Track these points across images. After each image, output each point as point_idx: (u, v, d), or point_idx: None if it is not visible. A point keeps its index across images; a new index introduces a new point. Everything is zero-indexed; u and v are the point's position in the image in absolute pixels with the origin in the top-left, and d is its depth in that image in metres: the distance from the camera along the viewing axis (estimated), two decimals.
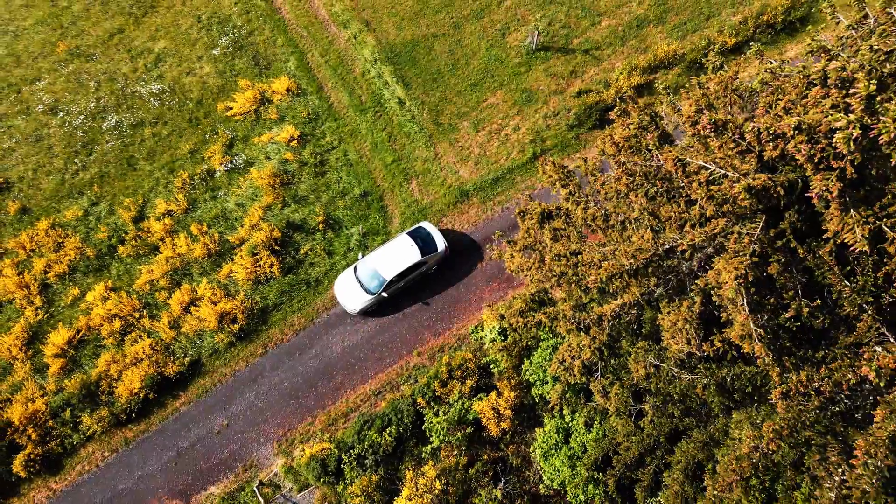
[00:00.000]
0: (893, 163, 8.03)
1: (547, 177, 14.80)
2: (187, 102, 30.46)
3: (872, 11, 12.04)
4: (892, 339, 9.92)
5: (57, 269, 26.56)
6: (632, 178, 11.02)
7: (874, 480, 9.24)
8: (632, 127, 12.12)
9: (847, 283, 10.10)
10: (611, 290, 14.09)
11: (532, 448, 21.56)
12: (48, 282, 26.55)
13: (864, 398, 10.83)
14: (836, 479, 9.95)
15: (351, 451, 22.05)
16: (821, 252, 9.86)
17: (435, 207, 27.24)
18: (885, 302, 10.19)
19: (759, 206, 9.83)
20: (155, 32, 32.73)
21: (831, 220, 8.88)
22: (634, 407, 16.52)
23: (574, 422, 20.48)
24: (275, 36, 32.38)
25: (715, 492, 11.38)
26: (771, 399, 10.44)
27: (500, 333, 23.14)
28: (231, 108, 29.90)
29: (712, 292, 10.88)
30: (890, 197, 8.83)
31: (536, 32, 29.61)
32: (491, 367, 23.10)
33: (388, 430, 22.28)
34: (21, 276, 26.46)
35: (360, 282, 24.62)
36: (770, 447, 10.16)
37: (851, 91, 8.28)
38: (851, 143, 7.91)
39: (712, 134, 9.57)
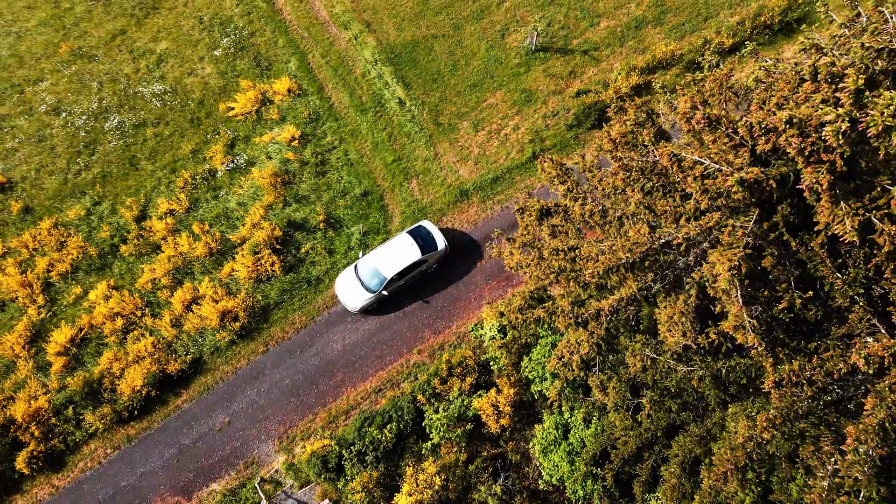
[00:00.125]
0: (882, 155, 8.23)
1: (545, 174, 15.01)
2: (189, 103, 30.69)
3: (865, 10, 12.29)
4: (883, 331, 10.12)
5: (59, 268, 26.77)
6: (628, 174, 11.23)
7: (865, 468, 9.42)
8: (628, 123, 12.34)
9: (839, 275, 10.30)
10: (608, 285, 14.28)
11: (531, 444, 21.75)
12: (51, 280, 26.76)
13: (856, 388, 11.02)
14: (829, 468, 10.14)
15: (351, 447, 22.22)
16: (813, 244, 10.06)
17: (435, 207, 27.45)
18: (876, 294, 10.40)
19: (753, 199, 10.03)
20: (157, 33, 32.98)
21: (822, 212, 9.09)
22: (632, 401, 16.71)
23: (573, 418, 20.66)
24: (276, 37, 32.62)
25: (711, 482, 11.56)
26: (763, 388, 10.62)
27: (499, 331, 23.34)
28: (232, 109, 30.13)
29: (707, 284, 11.08)
30: (879, 189, 9.05)
31: (535, 33, 29.85)
32: (490, 364, 23.30)
33: (388, 426, 22.45)
34: (24, 275, 26.66)
35: (360, 280, 24.81)
36: (763, 436, 10.34)
37: (841, 86, 8.48)
38: (840, 136, 8.11)
39: (706, 129, 9.78)
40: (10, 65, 32.32)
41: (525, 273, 17.35)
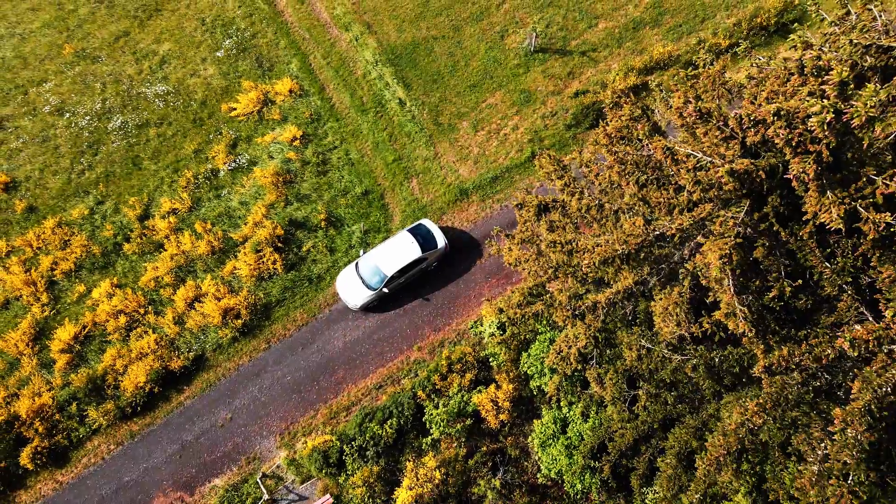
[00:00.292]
0: (866, 145, 8.51)
1: (543, 170, 15.31)
2: (191, 103, 31.01)
3: (855, 9, 12.59)
4: (870, 318, 10.39)
5: (63, 267, 27.03)
6: (623, 167, 11.51)
7: (854, 452, 9.68)
8: (623, 118, 12.64)
9: (828, 264, 10.57)
10: (605, 278, 14.57)
11: (530, 439, 22.00)
12: (55, 279, 27.03)
13: (845, 374, 11.28)
14: (819, 452, 10.39)
15: (352, 442, 22.46)
16: (801, 233, 10.34)
17: (435, 205, 27.74)
18: (863, 283, 10.68)
19: (744, 190, 10.32)
20: (160, 35, 33.32)
21: (810, 201, 9.37)
22: (629, 393, 16.98)
23: (571, 412, 20.92)
24: (278, 38, 32.96)
25: (704, 467, 11.81)
26: (754, 373, 10.89)
27: (498, 328, 23.59)
28: (235, 109, 30.45)
29: (700, 274, 11.36)
30: (865, 180, 9.32)
31: (534, 35, 30.19)
32: (490, 360, 23.56)
33: (388, 422, 22.70)
34: (28, 274, 26.92)
35: (361, 278, 25.09)
36: (754, 420, 10.60)
37: (826, 78, 8.77)
38: (826, 127, 8.39)
39: (698, 121, 10.06)
40: (14, 66, 32.65)
41: (523, 269, 17.64)
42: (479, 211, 27.58)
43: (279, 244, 26.73)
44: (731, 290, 10.46)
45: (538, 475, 21.81)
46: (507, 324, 22.83)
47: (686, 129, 10.62)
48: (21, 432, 23.74)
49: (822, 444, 10.38)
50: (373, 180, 28.57)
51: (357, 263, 25.57)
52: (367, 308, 25.57)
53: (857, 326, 9.70)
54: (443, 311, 25.74)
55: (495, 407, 22.40)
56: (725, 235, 10.14)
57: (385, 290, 24.99)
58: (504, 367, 22.99)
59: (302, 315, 25.93)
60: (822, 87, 8.80)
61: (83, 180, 29.27)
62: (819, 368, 10.64)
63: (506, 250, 17.90)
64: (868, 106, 8.10)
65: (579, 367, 16.30)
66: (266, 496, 22.48)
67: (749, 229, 10.68)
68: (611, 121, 13.13)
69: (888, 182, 8.87)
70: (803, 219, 9.81)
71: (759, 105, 9.46)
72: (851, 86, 8.67)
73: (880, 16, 11.72)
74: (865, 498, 9.85)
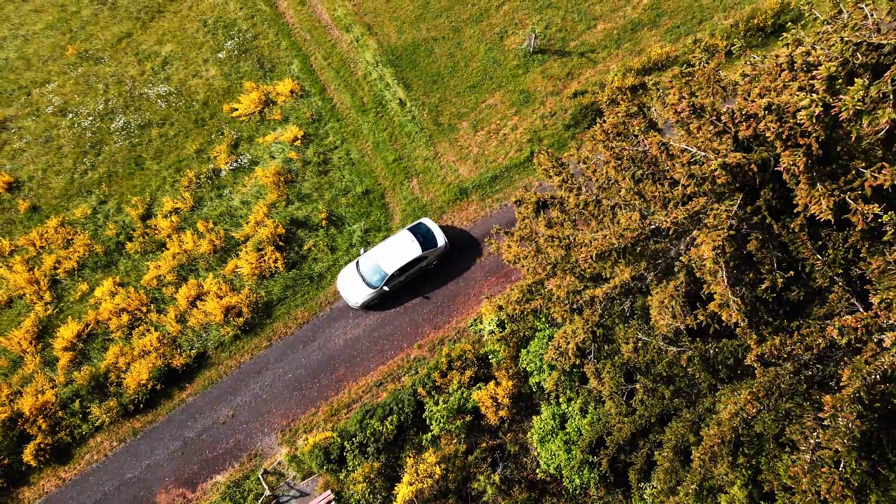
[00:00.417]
0: (854, 138, 8.74)
1: (541, 167, 15.55)
2: (193, 104, 31.26)
3: (847, 8, 12.85)
4: (861, 309, 10.61)
5: (66, 266, 27.25)
6: (619, 162, 11.74)
7: (846, 441, 9.89)
8: (620, 115, 12.88)
9: (819, 256, 10.80)
10: (602, 274, 14.78)
11: (529, 435, 22.19)
12: (58, 278, 27.24)
13: (837, 364, 11.49)
14: (812, 441, 10.60)
15: (353, 439, 22.66)
16: (793, 226, 10.57)
17: (435, 205, 27.98)
18: (854, 274, 10.91)
19: (736, 184, 10.55)
20: (162, 36, 33.59)
21: (800, 193, 9.61)
22: (626, 387, 17.19)
23: (570, 408, 21.12)
24: (279, 39, 33.24)
25: (700, 456, 12.01)
26: (746, 362, 11.11)
27: (498, 325, 23.80)
28: (236, 110, 30.71)
29: (694, 267, 11.58)
30: (854, 173, 9.55)
31: (534, 36, 30.46)
32: (489, 357, 23.77)
33: (389, 418, 22.90)
34: (31, 273, 27.13)
35: (362, 276, 25.31)
36: (748, 409, 10.81)
37: (814, 73, 9.00)
38: (814, 120, 8.63)
39: (692, 116, 10.29)
40: (17, 67, 32.91)
41: (522, 266, 17.86)
42: (478, 210, 27.82)
43: (280, 243, 26.96)
44: (725, 281, 10.68)
45: (537, 471, 22.00)
46: (506, 321, 23.05)
47: (681, 124, 10.86)
48: (24, 429, 23.94)
49: (815, 433, 10.60)
50: (373, 180, 28.82)
51: (358, 262, 25.80)
52: (368, 306, 25.79)
53: (849, 318, 9.91)
54: (443, 309, 25.96)
55: (495, 403, 22.60)
56: (719, 228, 10.38)
57: (385, 288, 25.21)
58: (503, 363, 23.20)
59: (303, 313, 26.14)
60: (812, 81, 9.04)
61: (86, 180, 29.51)
62: (811, 358, 10.86)
63: (505, 247, 18.12)
64: (855, 100, 8.33)
65: (577, 361, 16.52)
66: (267, 492, 22.67)
67: (742, 222, 10.91)
68: (608, 117, 13.37)
69: (876, 175, 9.10)
70: (794, 211, 10.05)
71: (752, 100, 9.69)
72: (840, 80, 8.90)
73: (871, 14, 11.98)
74: (857, 485, 10.06)
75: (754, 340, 11.12)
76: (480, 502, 21.96)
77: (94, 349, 25.69)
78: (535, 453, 22.17)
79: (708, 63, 15.15)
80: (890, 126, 10.83)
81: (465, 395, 23.07)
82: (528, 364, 22.43)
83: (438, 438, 22.80)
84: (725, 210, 10.65)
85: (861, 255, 10.40)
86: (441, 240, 25.97)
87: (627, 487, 20.84)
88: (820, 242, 11.02)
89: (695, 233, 12.12)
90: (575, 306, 14.71)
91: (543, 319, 22.62)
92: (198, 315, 25.77)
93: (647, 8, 31.62)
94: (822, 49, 9.55)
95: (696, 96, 10.95)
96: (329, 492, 22.62)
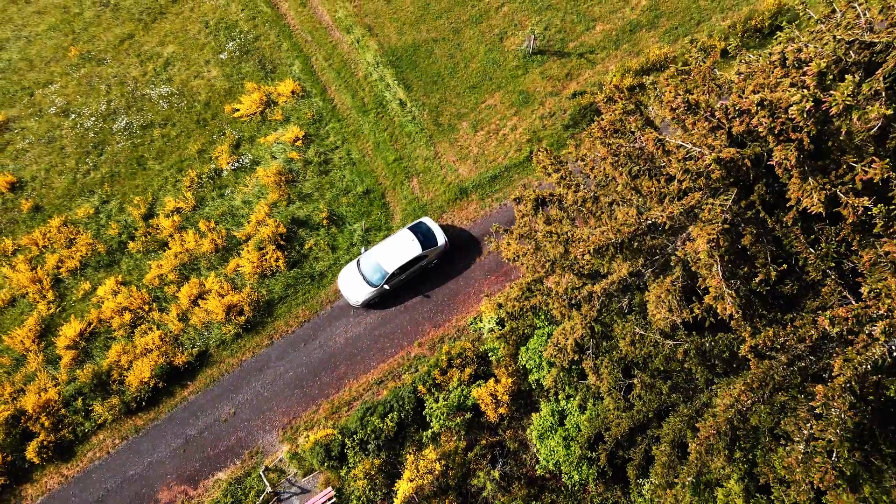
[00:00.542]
0: (844, 132, 8.95)
1: (540, 164, 15.76)
2: (195, 104, 31.49)
3: (840, 7, 13.07)
4: (853, 302, 10.80)
5: (69, 265, 27.44)
6: (616, 158, 11.95)
7: (838, 430, 10.08)
8: (617, 112, 13.10)
9: (812, 250, 11.01)
10: (600, 270, 14.97)
11: (528, 431, 22.37)
12: (60, 277, 27.43)
13: (830, 356, 11.68)
14: (805, 432, 10.79)
15: (354, 436, 22.83)
16: (786, 219, 10.79)
17: (435, 204, 28.19)
18: (846, 268, 11.11)
19: (731, 179, 10.75)
20: (164, 38, 33.83)
21: (793, 187, 9.82)
22: (624, 382, 17.38)
23: (569, 405, 21.30)
24: (280, 41, 33.48)
25: (696, 449, 12.19)
26: (741, 353, 11.31)
27: (497, 323, 24.00)
28: (238, 110, 30.94)
29: (689, 260, 11.78)
30: (845, 167, 9.76)
31: (533, 37, 30.71)
32: (489, 355, 23.95)
33: (389, 416, 23.08)
34: (34, 272, 27.32)
35: (362, 275, 25.50)
36: (742, 399, 11.00)
37: (806, 69, 9.22)
38: (805, 115, 8.84)
39: (687, 112, 10.50)
40: (20, 68, 33.14)
41: (522, 264, 18.06)
42: (478, 209, 28.03)
43: (282, 242, 27.16)
44: (720, 274, 10.88)
45: (536, 467, 22.17)
46: (505, 319, 23.16)
47: (676, 121, 11.07)
48: (27, 427, 24.09)
49: (808, 424, 10.78)
50: (374, 179, 29.04)
51: (358, 261, 26.00)
52: (369, 305, 25.98)
53: (839, 308, 10.11)
54: (443, 308, 26.15)
55: (494, 401, 22.78)
56: (713, 221, 10.58)
57: (386, 286, 25.40)
58: (503, 361, 23.39)
59: (304, 312, 26.33)
60: (803, 77, 9.25)
61: (88, 180, 29.71)
62: (805, 350, 11.05)
63: (504, 245, 18.32)
64: (845, 95, 8.54)
65: (576, 358, 16.71)
66: (269, 489, 22.83)
67: (736, 217, 11.12)
68: (605, 114, 13.59)
69: (867, 168, 9.31)
70: (787, 205, 10.26)
71: (745, 97, 9.91)
72: (831, 77, 9.12)
73: (864, 14, 12.20)
74: (849, 474, 10.23)
75: (749, 333, 11.31)
76: (480, 498, 22.14)
77: (97, 347, 25.87)
78: (535, 450, 22.35)
79: (704, 62, 15.38)
80: (882, 123, 11.06)
81: (464, 392, 23.24)
82: (527, 361, 22.62)
83: (438, 435, 22.98)
84: (720, 204, 10.85)
85: (853, 249, 10.62)
86: (441, 239, 26.17)
87: (626, 484, 21.03)
88: (813, 236, 11.24)
89: (690, 227, 12.32)
90: (573, 301, 14.90)
91: (542, 317, 22.81)
92: (199, 313, 25.95)
93: (646, 9, 31.87)
94: (813, 46, 9.76)
95: (692, 93, 11.16)
96: (330, 488, 22.79)
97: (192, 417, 24.68)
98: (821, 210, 9.51)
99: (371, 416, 23.20)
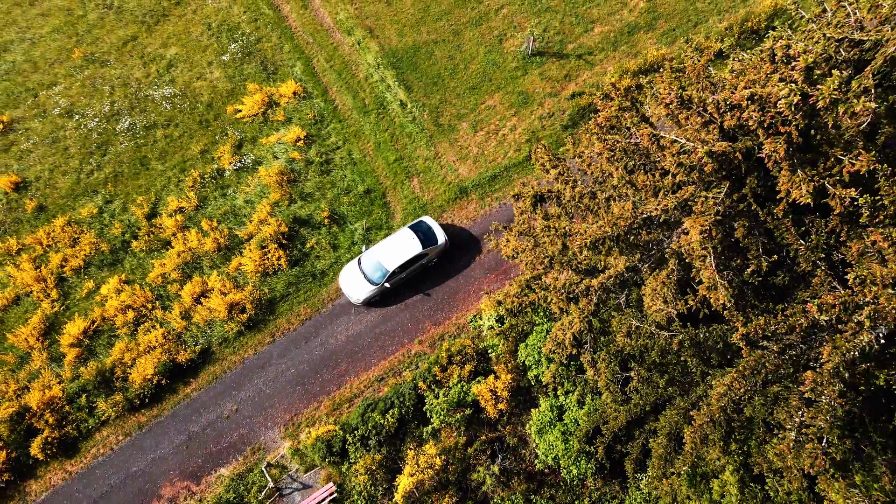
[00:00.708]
0: (831, 126, 9.24)
1: (538, 161, 16.06)
2: (198, 105, 31.82)
3: (831, 7, 13.40)
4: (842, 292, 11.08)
5: (72, 264, 27.73)
6: (612, 153, 12.25)
7: (828, 417, 10.35)
8: (613, 109, 13.40)
9: (802, 241, 11.29)
10: (598, 266, 15.25)
11: (527, 427, 22.62)
12: (64, 275, 27.71)
13: (821, 345, 11.94)
14: (797, 420, 11.06)
15: (355, 432, 23.08)
16: (776, 211, 11.08)
17: (435, 203, 28.50)
18: (836, 259, 11.40)
19: (723, 172, 11.05)
20: (167, 40, 34.19)
21: (782, 179, 10.12)
22: (621, 375, 17.65)
23: (567, 400, 21.56)
24: (282, 42, 33.83)
25: (691, 439, 12.45)
26: (733, 341, 11.58)
27: (497, 320, 24.26)
28: (240, 111, 31.27)
29: (684, 252, 12.07)
30: (833, 159, 10.06)
31: (532, 38, 31.06)
32: (489, 352, 24.22)
33: (390, 412, 23.33)
34: (38, 270, 27.62)
35: (363, 273, 25.78)
36: (735, 387, 11.27)
37: (794, 65, 9.52)
38: (793, 108, 9.14)
39: (680, 108, 10.81)
40: (24, 69, 33.49)
41: (521, 261, 18.34)
42: (478, 209, 28.33)
43: (283, 241, 27.46)
44: (713, 265, 11.17)
45: (535, 462, 22.42)
46: (505, 316, 23.46)
47: (670, 116, 11.37)
48: (32, 423, 24.35)
49: (800, 412, 11.05)
50: (375, 179, 29.35)
51: (359, 259, 26.28)
52: (370, 303, 26.25)
53: (828, 295, 10.38)
54: (443, 306, 26.42)
55: (494, 397, 23.03)
56: (706, 213, 10.87)
57: (387, 284, 25.67)
58: (502, 358, 23.65)
59: (305, 310, 26.61)
60: (791, 72, 9.55)
61: (92, 180, 30.03)
62: (796, 338, 11.33)
63: (503, 242, 18.61)
64: (831, 89, 8.84)
65: (574, 352, 16.98)
66: (271, 484, 23.06)
67: (729, 209, 11.41)
68: (601, 111, 13.90)
69: (854, 161, 9.60)
70: (777, 197, 10.55)
71: (737, 91, 10.21)
72: (819, 72, 9.42)
73: (854, 13, 12.52)
74: (839, 459, 10.49)
75: (741, 322, 11.59)
76: (480, 493, 22.37)
77: (100, 345, 26.14)
78: (534, 445, 22.60)
79: (698, 61, 15.69)
80: (872, 119, 11.36)
81: (464, 388, 23.50)
82: (526, 358, 22.88)
83: (439, 431, 23.23)
84: (713, 197, 11.14)
85: (841, 240, 10.91)
86: (441, 237, 26.46)
87: (624, 479, 21.29)
88: (803, 228, 11.53)
89: (684, 221, 12.61)
90: (571, 296, 15.18)
91: (541, 314, 23.08)
92: (202, 312, 26.23)
93: (644, 11, 32.23)
94: (803, 43, 10.07)
95: (685, 90, 11.47)
96: (331, 484, 23.03)
97: (195, 414, 24.93)
98: (809, 201, 9.82)
99: (372, 413, 23.45)
